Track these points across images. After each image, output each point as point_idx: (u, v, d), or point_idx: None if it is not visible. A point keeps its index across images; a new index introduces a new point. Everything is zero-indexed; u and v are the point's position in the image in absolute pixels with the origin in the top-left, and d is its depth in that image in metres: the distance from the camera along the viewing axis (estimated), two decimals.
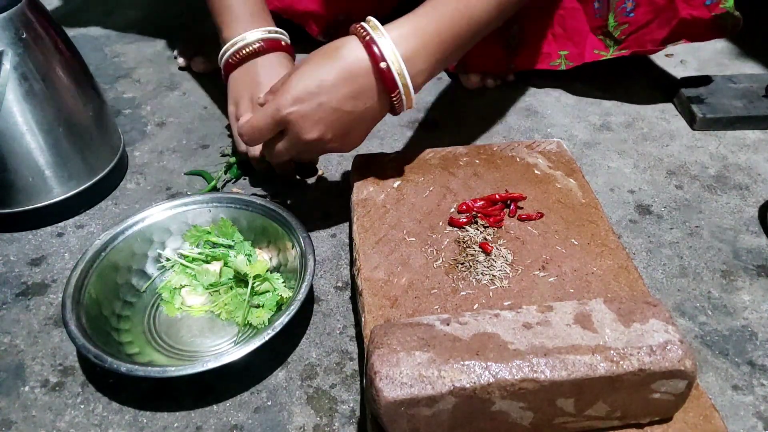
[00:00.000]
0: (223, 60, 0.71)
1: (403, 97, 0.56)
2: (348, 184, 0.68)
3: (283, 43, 0.71)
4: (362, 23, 0.56)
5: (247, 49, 0.69)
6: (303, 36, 0.98)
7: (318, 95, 0.54)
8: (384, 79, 0.55)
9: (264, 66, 0.69)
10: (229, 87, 0.72)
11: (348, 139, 0.59)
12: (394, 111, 0.59)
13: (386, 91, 0.56)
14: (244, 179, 0.76)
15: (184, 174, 0.77)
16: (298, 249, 0.59)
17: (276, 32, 0.71)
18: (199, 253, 0.61)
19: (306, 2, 0.93)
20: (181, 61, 0.99)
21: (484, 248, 0.57)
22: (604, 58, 0.84)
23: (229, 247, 0.62)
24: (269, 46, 0.69)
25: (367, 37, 0.54)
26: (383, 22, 0.56)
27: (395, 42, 0.54)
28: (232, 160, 0.76)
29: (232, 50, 0.69)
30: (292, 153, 0.59)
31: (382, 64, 0.54)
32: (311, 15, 0.95)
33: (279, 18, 0.96)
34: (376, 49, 0.54)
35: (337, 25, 0.96)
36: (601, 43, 0.84)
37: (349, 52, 0.55)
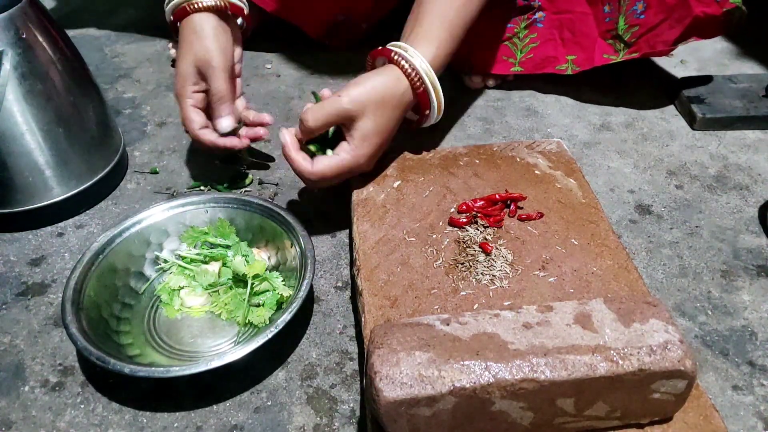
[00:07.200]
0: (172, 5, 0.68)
1: (435, 109, 0.66)
2: (348, 184, 0.68)
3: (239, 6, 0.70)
4: (397, 50, 0.63)
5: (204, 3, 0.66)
6: (301, 36, 0.98)
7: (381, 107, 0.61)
8: (420, 97, 0.63)
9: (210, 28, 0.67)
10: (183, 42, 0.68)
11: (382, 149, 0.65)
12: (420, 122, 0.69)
13: (421, 107, 0.65)
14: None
15: (187, 188, 0.74)
16: (297, 248, 0.59)
17: None
18: (197, 254, 0.61)
19: (305, 4, 0.93)
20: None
21: (484, 248, 0.57)
22: (614, 61, 0.83)
23: (227, 247, 0.62)
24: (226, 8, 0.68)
25: (403, 63, 0.62)
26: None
27: (425, 57, 0.62)
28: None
29: None
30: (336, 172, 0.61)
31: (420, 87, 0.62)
32: (311, 17, 0.95)
33: (277, 19, 0.96)
34: (415, 76, 0.62)
35: (337, 26, 0.96)
36: (611, 47, 0.84)
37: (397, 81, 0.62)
